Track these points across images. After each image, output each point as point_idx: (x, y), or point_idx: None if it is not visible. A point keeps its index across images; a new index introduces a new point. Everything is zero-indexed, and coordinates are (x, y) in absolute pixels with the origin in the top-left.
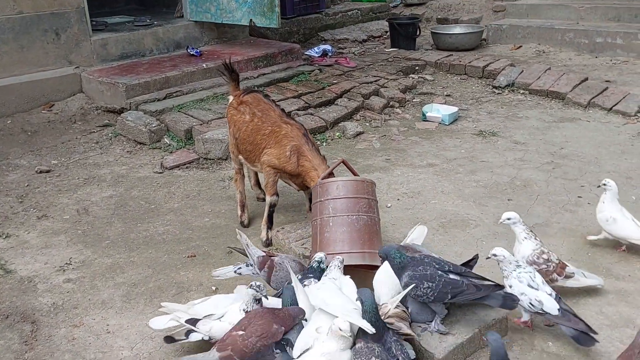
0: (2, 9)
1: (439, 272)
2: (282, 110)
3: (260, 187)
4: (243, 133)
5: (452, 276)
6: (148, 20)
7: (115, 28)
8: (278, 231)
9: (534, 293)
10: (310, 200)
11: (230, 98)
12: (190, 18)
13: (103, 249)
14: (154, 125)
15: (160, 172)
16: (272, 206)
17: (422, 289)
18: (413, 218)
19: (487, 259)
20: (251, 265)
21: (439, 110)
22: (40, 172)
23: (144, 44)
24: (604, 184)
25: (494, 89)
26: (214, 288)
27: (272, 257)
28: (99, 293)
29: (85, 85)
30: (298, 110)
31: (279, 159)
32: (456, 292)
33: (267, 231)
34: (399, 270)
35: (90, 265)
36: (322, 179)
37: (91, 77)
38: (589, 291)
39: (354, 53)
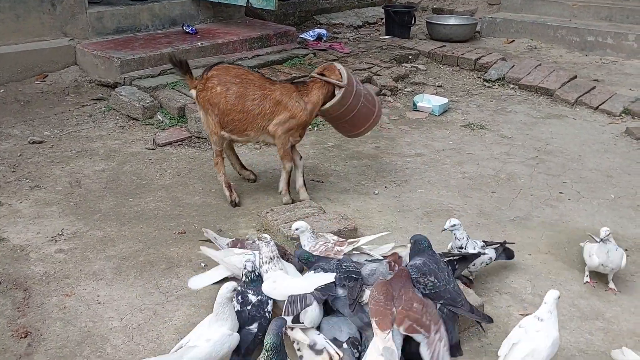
0: None
1: (448, 279)
2: (261, 73)
3: (246, 169)
4: (224, 105)
5: (451, 287)
6: None
7: (111, 1)
8: (267, 212)
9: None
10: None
11: (193, 92)
12: None
13: (94, 222)
14: (147, 101)
15: (153, 149)
16: (290, 171)
17: (427, 279)
18: (399, 206)
19: (442, 231)
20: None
21: (429, 101)
22: (33, 142)
23: (140, 19)
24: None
25: (485, 82)
26: (202, 264)
27: (242, 240)
28: (90, 264)
29: (80, 57)
30: None
31: (296, 118)
32: (450, 302)
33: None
34: (414, 255)
35: (81, 237)
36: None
37: (86, 50)
38: (563, 283)
39: (348, 39)
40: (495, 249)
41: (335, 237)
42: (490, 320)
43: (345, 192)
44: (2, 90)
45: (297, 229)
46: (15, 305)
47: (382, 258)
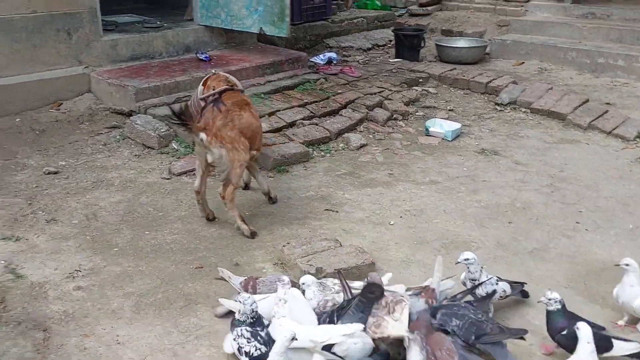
0: (17, 7)
1: (470, 315)
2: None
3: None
4: (256, 125)
5: (479, 317)
6: (158, 22)
7: (125, 29)
8: (284, 246)
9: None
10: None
11: (202, 135)
12: (200, 22)
13: (112, 257)
14: (162, 130)
15: (168, 178)
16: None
17: (450, 326)
18: (416, 237)
19: (456, 264)
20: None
21: (441, 126)
22: (49, 173)
23: (154, 46)
24: (626, 265)
25: (496, 106)
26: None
27: (255, 278)
28: (109, 302)
29: (94, 85)
30: (303, 119)
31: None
32: (480, 333)
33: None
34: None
35: (99, 272)
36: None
37: (100, 77)
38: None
39: (358, 62)
40: (511, 284)
41: (341, 294)
42: (524, 332)
43: (361, 223)
44: (18, 120)
45: (303, 284)
46: (36, 347)
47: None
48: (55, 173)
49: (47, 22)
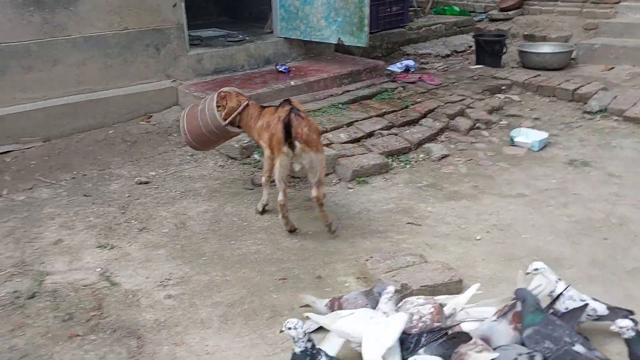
0: (111, 24)
1: (566, 339)
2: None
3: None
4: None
5: (577, 347)
6: (240, 36)
7: (209, 43)
8: (367, 260)
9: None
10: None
11: (298, 144)
12: (280, 35)
13: (200, 266)
14: (245, 141)
15: (251, 189)
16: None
17: (541, 347)
18: (504, 253)
19: (526, 274)
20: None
21: (527, 135)
22: (140, 183)
23: (237, 59)
24: (535, 270)
25: (585, 114)
26: (306, 315)
27: (339, 299)
28: (198, 312)
29: (181, 98)
30: (382, 129)
31: None
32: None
33: None
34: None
35: (188, 281)
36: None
37: (187, 91)
38: None
39: (437, 69)
40: (611, 309)
41: (427, 307)
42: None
43: (445, 237)
44: (111, 132)
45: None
46: (130, 355)
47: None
48: (146, 183)
49: (138, 38)
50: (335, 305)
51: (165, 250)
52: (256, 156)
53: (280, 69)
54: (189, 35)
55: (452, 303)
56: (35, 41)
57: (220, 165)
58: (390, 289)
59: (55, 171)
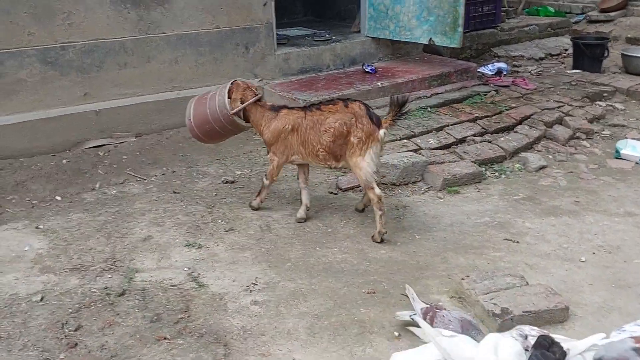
0: (203, 23)
1: None
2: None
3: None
4: None
5: None
6: (327, 35)
7: (296, 42)
8: (463, 279)
9: None
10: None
11: (382, 132)
12: (367, 34)
13: (285, 272)
14: None
15: (335, 194)
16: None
17: None
18: (614, 279)
19: None
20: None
21: (635, 148)
22: (226, 182)
23: (322, 59)
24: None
25: None
26: (396, 334)
27: (435, 309)
28: (284, 321)
29: (267, 97)
30: (474, 135)
31: None
32: None
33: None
34: None
35: (274, 288)
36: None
37: (273, 90)
38: None
39: (530, 72)
40: None
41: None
42: None
43: (546, 257)
44: None
45: None
46: None
47: None
48: (232, 182)
49: (228, 36)
50: (429, 315)
51: (251, 253)
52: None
53: (366, 69)
54: (277, 34)
55: (568, 345)
56: (130, 38)
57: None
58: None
59: (146, 166)
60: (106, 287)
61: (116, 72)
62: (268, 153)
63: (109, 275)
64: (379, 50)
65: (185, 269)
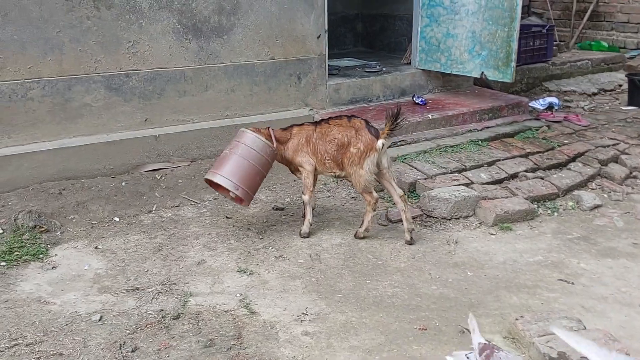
0: (259, 54)
1: None
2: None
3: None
4: None
5: None
6: (377, 67)
7: (346, 73)
8: (517, 319)
9: None
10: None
11: (381, 142)
12: (418, 66)
13: (336, 303)
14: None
15: (385, 225)
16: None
17: None
18: None
19: None
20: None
21: None
22: (276, 209)
23: (372, 90)
24: None
25: None
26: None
27: (493, 348)
28: (335, 354)
29: None
30: (526, 171)
31: None
32: None
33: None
34: None
35: (324, 319)
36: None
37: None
38: None
39: (583, 108)
40: None
41: None
42: None
43: (603, 301)
44: None
45: None
46: None
47: None
48: (282, 209)
49: (282, 67)
50: (485, 353)
51: (301, 282)
52: None
53: (417, 101)
54: (328, 65)
55: None
56: (190, 67)
57: (352, 197)
58: None
59: (200, 191)
60: (162, 310)
61: (176, 99)
62: (293, 173)
63: (165, 298)
64: (429, 82)
65: (238, 295)
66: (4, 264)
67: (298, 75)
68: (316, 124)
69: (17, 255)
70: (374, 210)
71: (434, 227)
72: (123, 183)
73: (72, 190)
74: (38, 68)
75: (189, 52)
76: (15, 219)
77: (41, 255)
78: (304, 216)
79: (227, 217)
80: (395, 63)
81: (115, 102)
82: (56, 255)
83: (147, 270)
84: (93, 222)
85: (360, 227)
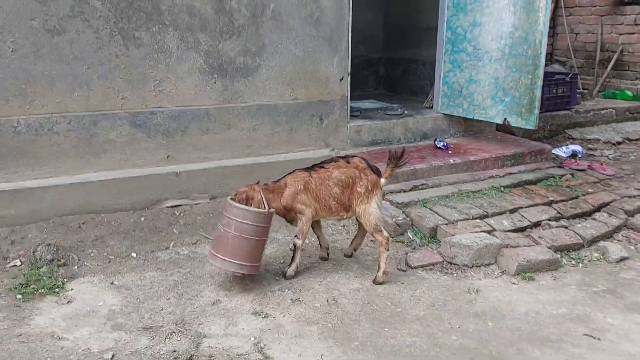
0: (282, 95)
1: None
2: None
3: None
4: None
5: None
6: (399, 110)
7: (368, 115)
8: None
9: None
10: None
11: (383, 180)
12: (440, 110)
13: (352, 351)
14: (400, 218)
15: (404, 270)
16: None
17: None
18: None
19: None
20: None
21: None
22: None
23: (394, 132)
24: None
25: None
26: None
27: None
28: None
29: None
30: (549, 220)
31: None
32: None
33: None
34: None
35: None
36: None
37: None
38: None
39: (607, 157)
40: None
41: None
42: None
43: (632, 358)
44: None
45: None
46: None
47: None
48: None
49: (305, 108)
50: None
51: (317, 328)
52: (410, 235)
53: (438, 145)
54: (350, 107)
55: None
56: (214, 106)
57: (371, 240)
58: None
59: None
60: (175, 351)
61: (198, 136)
62: (290, 222)
63: (178, 339)
64: (451, 126)
65: (252, 338)
66: (20, 296)
67: (320, 116)
68: (309, 170)
69: (33, 288)
70: (388, 250)
71: (455, 275)
72: (142, 218)
73: (91, 225)
74: (65, 103)
75: (213, 91)
76: (34, 252)
77: (57, 289)
78: (292, 259)
79: None
80: (417, 106)
81: (139, 139)
82: (72, 289)
83: (162, 309)
84: (110, 257)
85: (378, 272)
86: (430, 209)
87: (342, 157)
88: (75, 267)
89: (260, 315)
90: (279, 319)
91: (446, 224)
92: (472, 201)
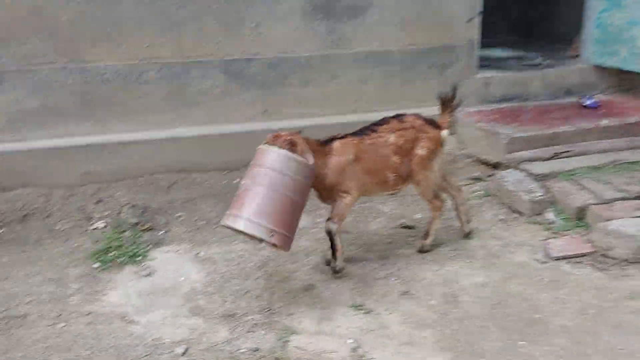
0: (396, 40)
1: None
2: None
3: None
4: None
5: None
6: (538, 59)
7: (498, 65)
8: None
9: None
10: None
11: (445, 132)
12: (590, 60)
13: None
14: (537, 194)
15: (544, 262)
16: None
17: None
18: None
19: None
20: None
21: None
22: (404, 227)
23: (529, 87)
24: None
25: None
26: None
27: None
28: None
29: (459, 128)
30: None
31: None
32: None
33: None
34: None
35: None
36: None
37: (467, 119)
38: None
39: None
40: None
41: None
42: None
43: None
44: None
45: None
46: None
47: None
48: (411, 228)
49: (422, 56)
50: None
51: (432, 333)
52: (550, 215)
53: (586, 103)
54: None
55: None
56: (317, 53)
57: (500, 220)
58: None
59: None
60: (257, 349)
61: (298, 89)
62: (324, 201)
63: (262, 332)
64: (602, 80)
65: (349, 340)
66: (98, 264)
67: (441, 66)
68: (358, 134)
69: (113, 255)
70: (439, 217)
71: (611, 272)
72: (235, 181)
73: (182, 185)
74: (155, 48)
75: (316, 35)
76: (118, 213)
77: (139, 258)
78: (333, 249)
79: (344, 232)
80: (558, 55)
81: (233, 90)
82: (155, 259)
83: (248, 291)
84: (199, 223)
85: (426, 239)
86: (578, 183)
87: (393, 117)
88: (162, 232)
89: (360, 309)
90: (383, 317)
91: (598, 204)
92: (632, 175)
